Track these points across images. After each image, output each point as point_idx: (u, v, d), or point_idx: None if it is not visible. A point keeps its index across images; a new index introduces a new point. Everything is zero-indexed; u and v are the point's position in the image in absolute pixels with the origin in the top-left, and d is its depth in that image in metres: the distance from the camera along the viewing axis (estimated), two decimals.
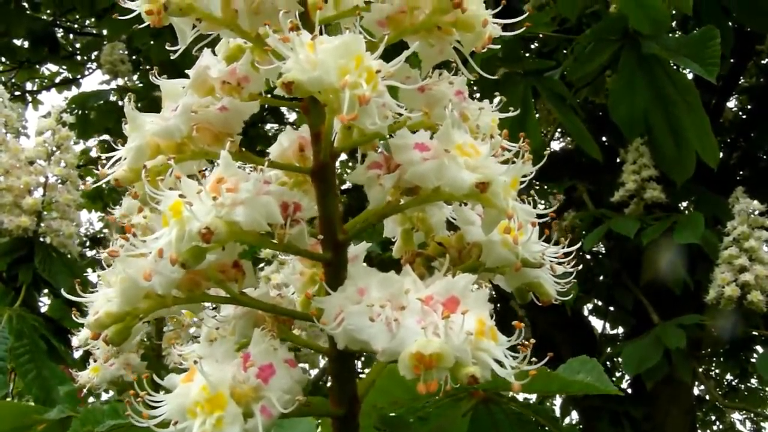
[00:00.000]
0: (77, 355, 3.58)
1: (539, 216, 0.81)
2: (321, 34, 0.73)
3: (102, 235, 6.45)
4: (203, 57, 0.87)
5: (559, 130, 4.55)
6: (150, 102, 5.05)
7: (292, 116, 6.02)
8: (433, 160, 0.73)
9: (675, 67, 2.68)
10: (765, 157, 4.97)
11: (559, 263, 0.90)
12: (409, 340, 0.65)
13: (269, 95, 0.89)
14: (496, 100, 0.91)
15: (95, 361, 1.82)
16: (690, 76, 3.10)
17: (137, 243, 0.74)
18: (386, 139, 0.76)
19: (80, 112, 5.32)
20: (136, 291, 0.79)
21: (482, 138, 0.77)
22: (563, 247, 0.89)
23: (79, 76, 6.93)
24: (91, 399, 2.26)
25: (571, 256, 0.91)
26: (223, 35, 0.86)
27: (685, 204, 4.35)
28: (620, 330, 5.49)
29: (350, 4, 0.91)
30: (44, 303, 3.59)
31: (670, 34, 3.20)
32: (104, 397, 2.36)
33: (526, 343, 0.71)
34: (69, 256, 3.33)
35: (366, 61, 0.67)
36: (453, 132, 0.73)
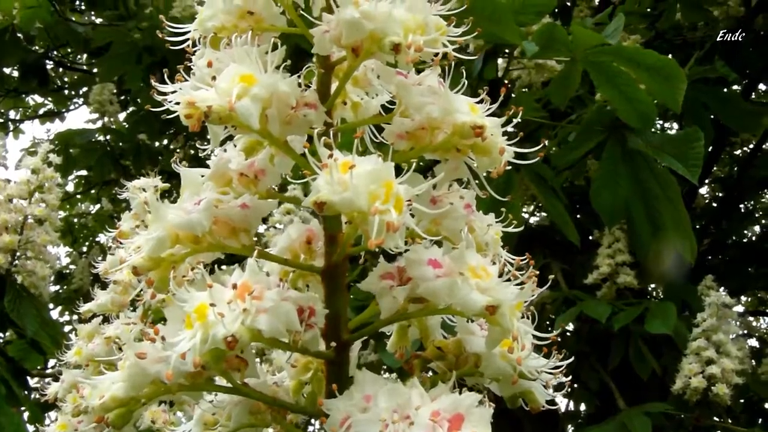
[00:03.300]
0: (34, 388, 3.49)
1: (541, 338, 0.85)
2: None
3: (68, 272, 6.35)
4: (226, 150, 0.90)
5: (535, 206, 4.62)
6: (134, 146, 5.07)
7: None
8: (445, 278, 0.76)
9: (657, 162, 2.74)
10: (734, 246, 5.09)
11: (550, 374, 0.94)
12: None
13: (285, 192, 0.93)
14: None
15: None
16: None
17: (159, 346, 0.76)
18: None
19: (62, 147, 5.31)
20: (143, 378, 0.81)
21: (492, 258, 0.81)
22: (557, 361, 0.92)
23: (63, 110, 6.92)
24: None
25: (561, 368, 0.95)
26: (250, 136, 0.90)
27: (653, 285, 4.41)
28: (582, 407, 5.49)
29: (370, 111, 0.96)
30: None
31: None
32: None
33: None
34: (39, 297, 3.29)
35: (395, 189, 0.71)
36: (467, 254, 0.77)
